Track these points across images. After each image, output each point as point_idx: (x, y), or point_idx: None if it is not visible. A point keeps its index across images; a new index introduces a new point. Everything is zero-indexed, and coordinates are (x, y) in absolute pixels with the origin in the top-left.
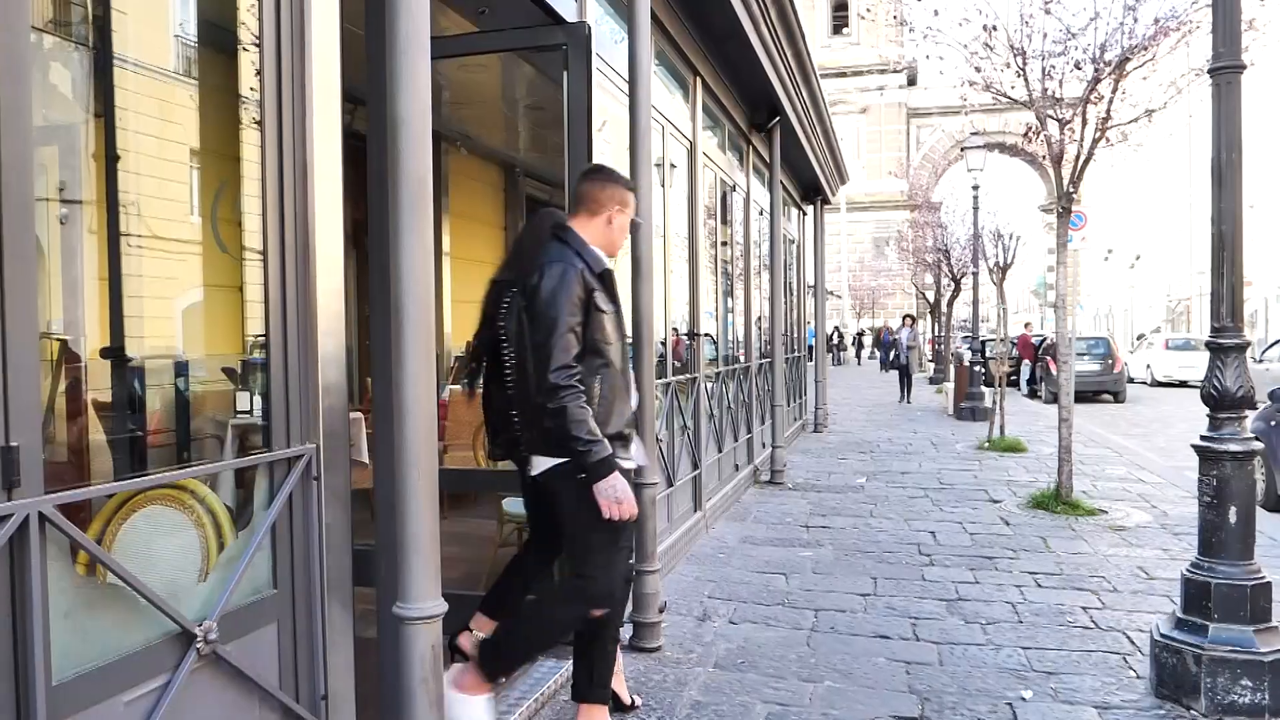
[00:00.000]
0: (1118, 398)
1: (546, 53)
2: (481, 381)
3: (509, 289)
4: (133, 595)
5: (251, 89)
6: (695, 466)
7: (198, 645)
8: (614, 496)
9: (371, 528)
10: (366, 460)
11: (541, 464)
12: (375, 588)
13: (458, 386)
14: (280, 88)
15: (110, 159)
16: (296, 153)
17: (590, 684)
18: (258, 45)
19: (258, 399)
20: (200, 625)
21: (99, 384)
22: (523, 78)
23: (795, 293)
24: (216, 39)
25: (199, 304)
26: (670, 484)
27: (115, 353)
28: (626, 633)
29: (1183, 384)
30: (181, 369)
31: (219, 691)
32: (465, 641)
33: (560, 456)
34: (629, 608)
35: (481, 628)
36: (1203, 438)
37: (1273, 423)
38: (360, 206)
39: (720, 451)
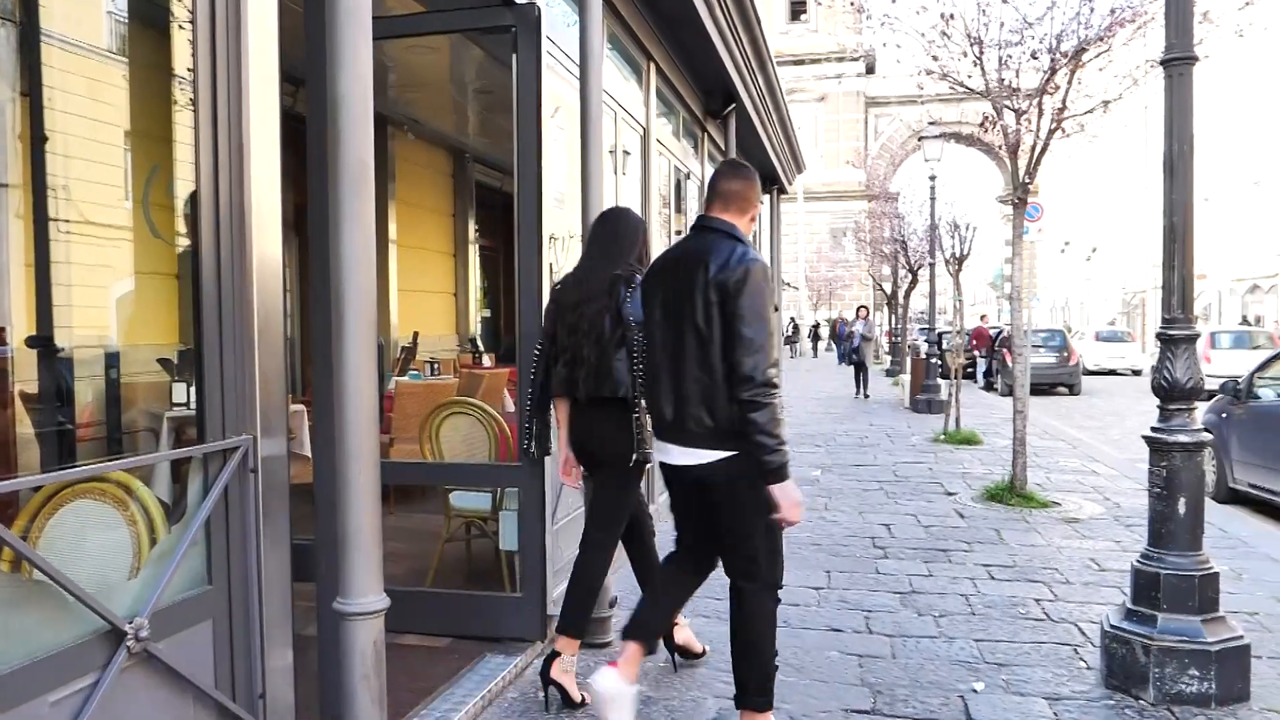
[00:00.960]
0: (1073, 390)
1: (495, 34)
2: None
3: (625, 282)
4: (59, 592)
5: (189, 69)
6: (646, 460)
7: (128, 643)
8: (796, 498)
9: (314, 522)
10: (309, 453)
11: (704, 455)
12: (316, 583)
13: (405, 378)
14: (215, 66)
15: (38, 140)
16: (232, 134)
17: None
18: (192, 21)
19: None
20: (131, 623)
21: (26, 375)
22: (472, 60)
23: None
24: (149, 14)
25: (133, 292)
26: None
27: (43, 342)
28: None
29: (1111, 372)
30: (114, 359)
31: (151, 690)
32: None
33: (724, 450)
34: None
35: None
36: (1153, 429)
37: (1224, 415)
38: (302, 191)
39: None
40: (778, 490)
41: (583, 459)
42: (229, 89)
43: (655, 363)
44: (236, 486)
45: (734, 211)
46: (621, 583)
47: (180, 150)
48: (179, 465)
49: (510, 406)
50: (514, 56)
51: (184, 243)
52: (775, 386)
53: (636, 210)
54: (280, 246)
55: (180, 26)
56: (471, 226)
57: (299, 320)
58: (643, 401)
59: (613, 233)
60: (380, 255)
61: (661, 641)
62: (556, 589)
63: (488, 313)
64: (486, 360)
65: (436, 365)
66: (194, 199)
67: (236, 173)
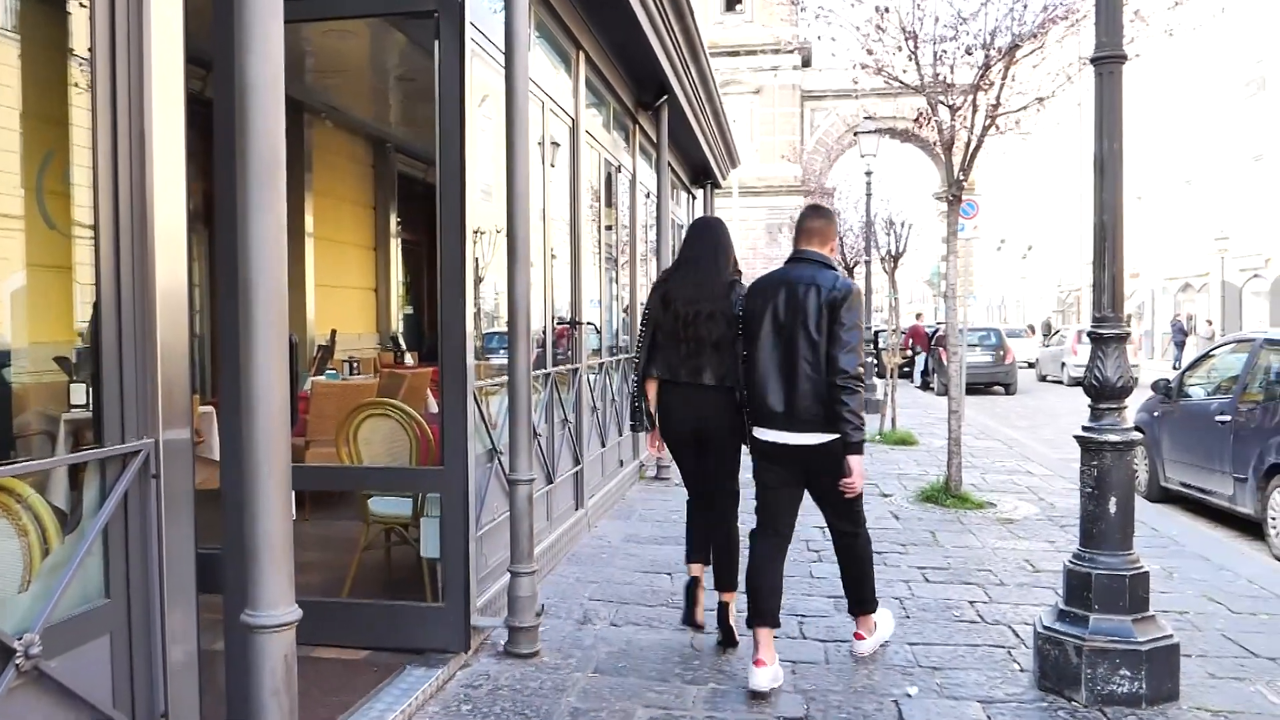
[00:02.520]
0: (1009, 389)
1: (417, 20)
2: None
3: (737, 287)
4: None
5: (90, 48)
6: (577, 462)
7: (17, 661)
8: (863, 470)
9: (222, 530)
10: (218, 457)
11: (817, 437)
12: (223, 595)
13: (321, 377)
14: (114, 46)
15: None
16: (133, 119)
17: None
18: None
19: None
20: (20, 639)
21: None
22: (394, 46)
23: None
24: None
25: (27, 286)
26: (550, 481)
27: None
28: (502, 638)
29: None
30: (6, 358)
31: (43, 711)
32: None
33: (834, 433)
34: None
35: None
36: (1084, 428)
37: (1155, 414)
38: (213, 179)
39: (604, 446)
40: (854, 460)
41: (684, 437)
42: (129, 71)
43: (760, 362)
44: (136, 493)
45: (817, 243)
46: (547, 590)
47: (79, 135)
48: (77, 471)
49: (434, 407)
50: (436, 43)
51: (82, 234)
52: (862, 380)
53: (564, 203)
54: (185, 239)
55: (81, 4)
56: (393, 219)
57: (209, 316)
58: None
59: (718, 242)
60: (296, 249)
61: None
62: (480, 598)
63: (410, 309)
64: (409, 359)
65: (355, 364)
66: (93, 188)
67: (137, 160)
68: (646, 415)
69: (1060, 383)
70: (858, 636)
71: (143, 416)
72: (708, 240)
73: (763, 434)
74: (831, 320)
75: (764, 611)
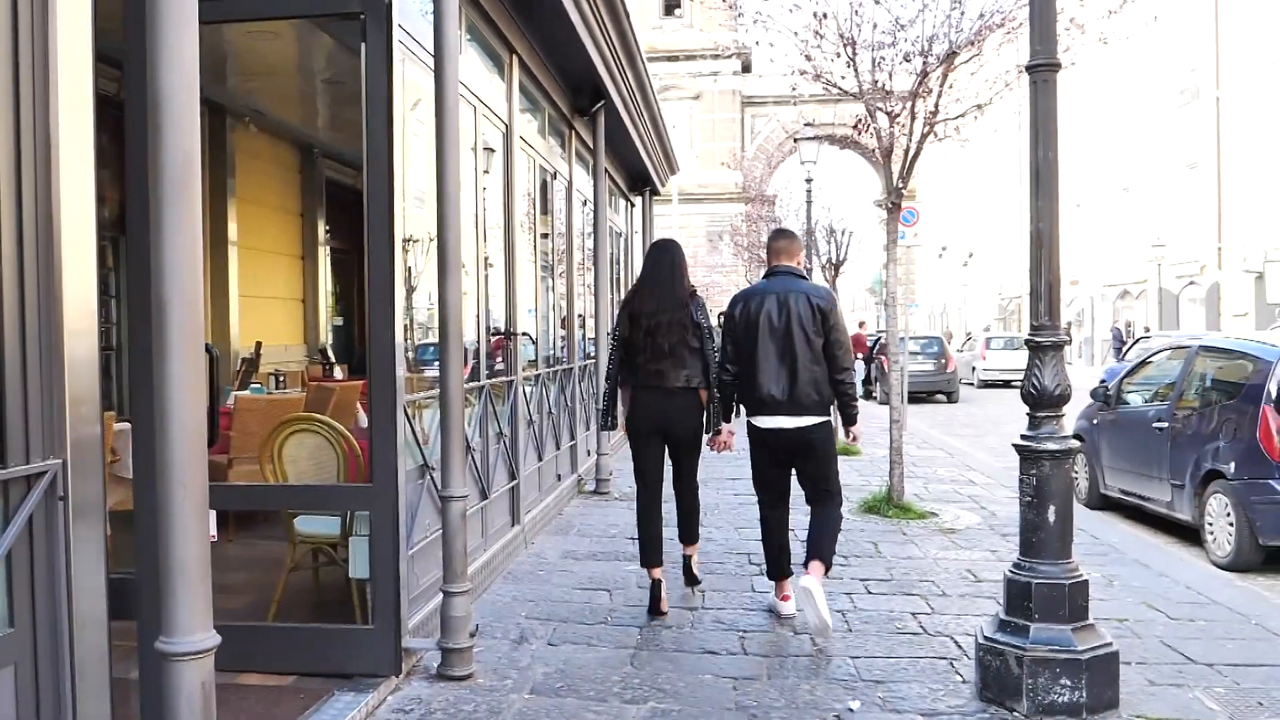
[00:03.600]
0: (951, 398)
1: (344, 22)
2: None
3: (695, 297)
4: None
5: None
6: (513, 477)
7: None
8: (861, 432)
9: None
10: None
11: (812, 419)
12: (137, 622)
13: (245, 392)
14: (17, 45)
15: None
16: (38, 122)
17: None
18: None
19: None
20: None
21: None
22: (321, 49)
23: (623, 289)
24: None
25: None
26: (485, 496)
27: None
28: (435, 660)
29: None
30: None
31: None
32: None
33: (823, 416)
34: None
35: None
36: (1023, 437)
37: (1094, 421)
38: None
39: (540, 460)
40: (856, 428)
41: (652, 434)
42: (34, 72)
43: (760, 360)
44: (43, 516)
45: (786, 258)
46: (482, 610)
47: None
48: None
49: (364, 422)
50: (363, 46)
51: None
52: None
53: (499, 210)
54: (94, 247)
55: None
56: (321, 227)
57: (129, 330)
58: (715, 388)
59: (675, 260)
60: (219, 257)
61: None
62: (412, 619)
63: (340, 320)
64: (338, 372)
65: (282, 378)
66: None
67: (43, 166)
68: (612, 416)
69: (971, 384)
70: (808, 572)
71: (49, 435)
72: (665, 260)
73: (764, 421)
74: (825, 324)
75: (782, 568)
